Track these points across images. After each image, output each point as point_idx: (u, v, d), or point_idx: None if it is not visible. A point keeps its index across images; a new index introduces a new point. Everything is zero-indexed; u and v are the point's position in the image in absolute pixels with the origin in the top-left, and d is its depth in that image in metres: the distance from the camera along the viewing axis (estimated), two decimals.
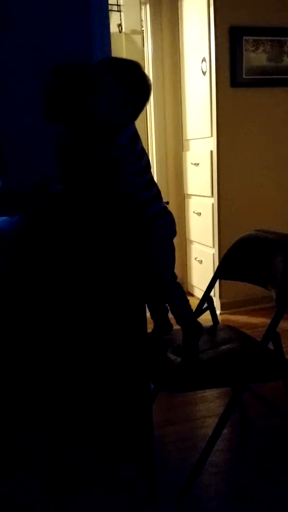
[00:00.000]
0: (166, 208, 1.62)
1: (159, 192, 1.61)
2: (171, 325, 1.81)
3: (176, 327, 1.80)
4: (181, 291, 1.69)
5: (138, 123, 3.64)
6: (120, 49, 3.33)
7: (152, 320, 1.80)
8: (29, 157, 1.59)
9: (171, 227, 1.63)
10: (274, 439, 2.01)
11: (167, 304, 1.74)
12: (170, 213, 1.63)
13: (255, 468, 1.85)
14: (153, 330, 1.80)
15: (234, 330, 1.93)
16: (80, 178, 1.60)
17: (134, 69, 1.48)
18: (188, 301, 1.73)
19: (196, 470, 1.59)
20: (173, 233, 1.64)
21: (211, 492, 1.73)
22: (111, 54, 1.74)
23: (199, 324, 1.76)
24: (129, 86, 1.46)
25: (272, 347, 1.63)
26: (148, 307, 1.77)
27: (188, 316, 1.71)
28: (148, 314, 1.66)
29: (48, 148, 1.60)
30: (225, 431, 2.04)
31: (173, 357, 1.68)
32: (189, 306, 1.72)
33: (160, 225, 1.60)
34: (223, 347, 1.74)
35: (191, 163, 3.76)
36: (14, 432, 1.36)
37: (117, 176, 1.46)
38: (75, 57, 1.61)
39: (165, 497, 1.65)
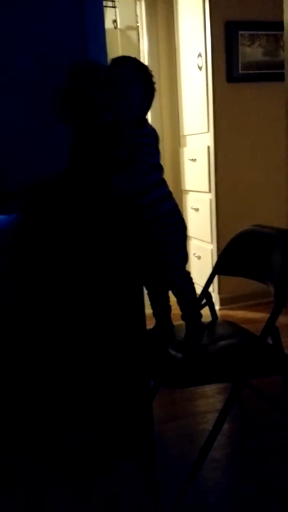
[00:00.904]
0: (177, 206, 1.66)
1: (170, 191, 1.65)
2: (172, 325, 1.81)
3: (176, 322, 1.80)
4: (193, 288, 1.71)
5: None
6: (116, 45, 3.32)
7: (153, 317, 1.79)
8: (25, 155, 1.58)
9: (183, 224, 1.67)
10: (274, 434, 2.02)
11: (176, 300, 1.73)
12: (180, 212, 1.67)
13: (256, 463, 1.85)
14: (153, 327, 1.80)
15: (233, 326, 1.93)
16: (87, 173, 1.60)
17: (144, 67, 1.57)
18: (197, 299, 1.76)
19: (196, 465, 1.59)
20: (185, 229, 1.68)
21: (212, 487, 1.73)
22: (106, 50, 1.74)
23: (202, 323, 1.76)
24: (143, 83, 1.55)
25: (271, 342, 1.64)
26: (151, 305, 1.77)
27: (196, 314, 1.71)
28: (149, 311, 1.67)
29: (45, 146, 1.60)
30: (225, 426, 2.05)
31: (173, 352, 1.68)
32: (198, 304, 1.74)
33: (174, 221, 1.63)
34: (222, 342, 1.74)
35: (188, 159, 3.75)
36: (13, 428, 1.37)
37: (128, 166, 1.48)
38: (70, 53, 1.60)
39: (167, 492, 1.66)
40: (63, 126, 1.59)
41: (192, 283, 1.71)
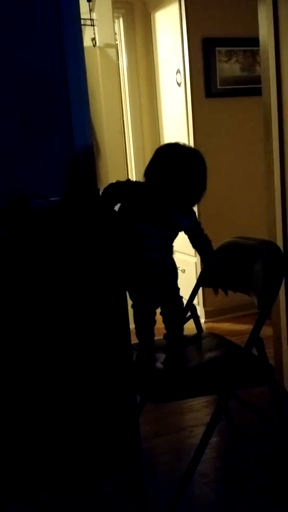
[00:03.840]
0: None
1: None
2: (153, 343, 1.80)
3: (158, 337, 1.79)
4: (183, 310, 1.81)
5: (115, 136, 3.61)
6: (95, 63, 3.35)
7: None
8: (8, 173, 1.58)
9: None
10: (262, 446, 2.01)
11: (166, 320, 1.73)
12: None
13: (245, 476, 1.84)
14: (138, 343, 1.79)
15: (218, 338, 1.93)
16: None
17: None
18: (184, 320, 1.82)
19: (185, 481, 1.58)
20: None
21: (202, 502, 1.72)
22: (85, 68, 1.75)
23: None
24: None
25: (256, 353, 1.64)
26: (136, 324, 1.75)
27: (180, 333, 1.74)
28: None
29: (27, 164, 1.60)
30: (213, 439, 2.04)
31: (159, 366, 1.68)
32: (183, 323, 1.78)
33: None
34: (208, 355, 1.74)
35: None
36: None
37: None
38: (48, 71, 1.62)
39: (156, 507, 1.64)
40: (42, 148, 1.61)
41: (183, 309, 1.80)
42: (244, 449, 2.01)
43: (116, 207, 1.63)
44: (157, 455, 2.03)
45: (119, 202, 1.64)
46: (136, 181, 1.69)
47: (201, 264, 1.81)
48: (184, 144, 1.65)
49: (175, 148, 1.61)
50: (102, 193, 1.63)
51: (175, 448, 2.05)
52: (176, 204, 1.60)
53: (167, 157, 1.59)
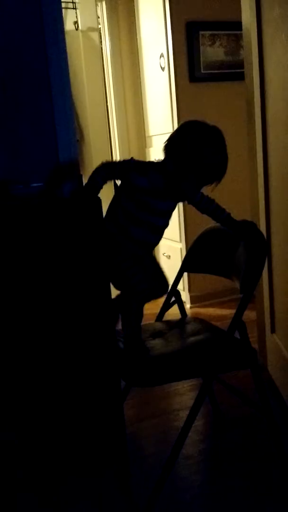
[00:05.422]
0: None
1: None
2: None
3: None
4: None
5: (99, 121, 3.60)
6: (78, 47, 3.32)
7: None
8: None
9: None
10: (246, 428, 2.04)
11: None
12: None
13: (229, 458, 1.87)
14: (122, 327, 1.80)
15: (201, 322, 1.94)
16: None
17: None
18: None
19: (169, 463, 1.60)
20: None
21: (186, 484, 1.74)
22: (66, 52, 1.73)
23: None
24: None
25: (239, 337, 1.65)
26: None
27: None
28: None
29: (8, 149, 1.59)
30: (198, 423, 2.06)
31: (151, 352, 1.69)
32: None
33: None
34: (191, 339, 1.76)
35: (155, 159, 3.76)
36: None
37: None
38: (29, 55, 1.60)
39: (141, 491, 1.66)
40: (23, 134, 1.59)
41: None
42: (228, 431, 2.04)
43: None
44: (143, 439, 2.05)
45: (115, 178, 1.64)
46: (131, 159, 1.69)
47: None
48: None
49: (202, 125, 1.66)
50: (93, 172, 1.61)
51: (161, 432, 2.07)
52: (200, 176, 1.66)
53: (197, 133, 1.64)
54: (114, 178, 1.66)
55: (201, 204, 1.70)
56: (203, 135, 1.63)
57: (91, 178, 1.59)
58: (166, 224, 1.74)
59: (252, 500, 1.64)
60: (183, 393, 2.32)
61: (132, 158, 1.69)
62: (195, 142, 1.62)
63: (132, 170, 1.62)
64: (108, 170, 1.63)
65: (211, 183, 1.72)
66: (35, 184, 1.52)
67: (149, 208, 1.63)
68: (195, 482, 1.75)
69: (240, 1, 2.33)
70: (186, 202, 1.72)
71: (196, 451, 1.91)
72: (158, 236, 1.74)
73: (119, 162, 1.69)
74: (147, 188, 1.61)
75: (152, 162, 1.71)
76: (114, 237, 1.62)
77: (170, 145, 1.65)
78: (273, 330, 2.30)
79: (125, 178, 1.64)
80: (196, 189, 1.69)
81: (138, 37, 3.77)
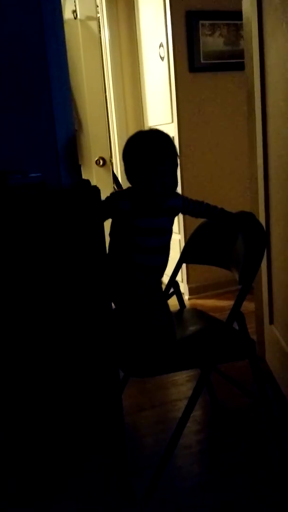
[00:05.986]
0: None
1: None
2: None
3: None
4: None
5: (97, 110, 3.55)
6: (76, 36, 3.28)
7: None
8: None
9: None
10: (243, 418, 2.05)
11: None
12: None
13: (227, 448, 1.88)
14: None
15: (200, 313, 1.95)
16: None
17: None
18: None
19: (167, 452, 1.61)
20: None
21: (184, 473, 1.75)
22: (65, 41, 1.72)
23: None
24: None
25: (237, 328, 1.66)
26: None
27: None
28: None
29: (5, 139, 1.58)
30: (196, 413, 2.07)
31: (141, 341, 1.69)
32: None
33: None
34: (190, 329, 1.76)
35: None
36: None
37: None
38: (27, 44, 1.58)
39: (140, 481, 1.67)
40: (21, 123, 1.58)
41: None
42: (226, 421, 2.05)
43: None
44: (141, 429, 2.06)
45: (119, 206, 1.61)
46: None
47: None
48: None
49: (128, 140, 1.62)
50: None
51: (159, 422, 2.08)
52: (146, 187, 1.56)
53: (124, 151, 1.62)
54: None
55: (194, 211, 1.70)
56: (126, 150, 1.60)
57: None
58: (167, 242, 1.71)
59: (250, 489, 1.65)
60: (182, 384, 2.33)
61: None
62: (125, 160, 1.60)
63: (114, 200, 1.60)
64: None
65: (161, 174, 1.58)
66: (33, 174, 1.51)
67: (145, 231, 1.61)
68: (193, 472, 1.76)
69: None
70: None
71: (194, 441, 1.92)
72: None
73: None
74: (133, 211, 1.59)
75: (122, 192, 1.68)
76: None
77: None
78: (271, 321, 2.31)
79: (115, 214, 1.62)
80: (178, 199, 1.68)
81: (137, 26, 3.74)
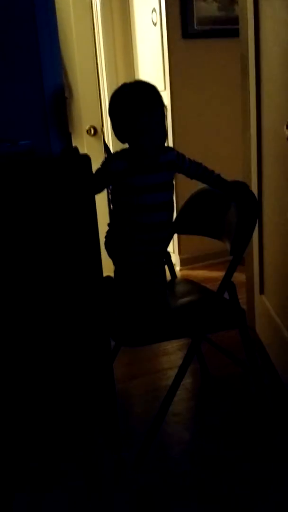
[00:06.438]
0: None
1: None
2: None
3: None
4: None
5: (88, 77, 3.46)
6: (67, 2, 3.19)
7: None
8: None
9: None
10: (233, 387, 2.08)
11: None
12: None
13: (216, 415, 1.91)
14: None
15: (191, 283, 1.95)
16: None
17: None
18: None
19: (158, 419, 1.63)
20: None
21: (174, 440, 1.78)
22: (54, 5, 1.67)
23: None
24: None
25: (228, 297, 1.67)
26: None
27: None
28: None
29: None
30: (187, 381, 2.10)
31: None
32: None
33: None
34: (181, 299, 1.77)
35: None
36: None
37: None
38: (15, 8, 1.54)
39: (130, 447, 1.70)
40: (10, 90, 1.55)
41: None
42: (216, 390, 2.08)
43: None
44: (132, 397, 2.09)
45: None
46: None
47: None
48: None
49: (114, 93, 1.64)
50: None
51: (150, 390, 2.10)
52: (135, 137, 1.56)
53: (110, 104, 1.65)
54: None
55: (190, 170, 1.68)
56: (111, 102, 1.62)
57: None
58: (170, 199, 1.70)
59: (239, 455, 1.69)
60: (172, 353, 2.35)
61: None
62: (111, 113, 1.61)
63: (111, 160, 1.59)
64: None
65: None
66: (23, 142, 1.48)
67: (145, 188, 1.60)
68: (183, 439, 1.79)
69: None
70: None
71: (184, 409, 1.95)
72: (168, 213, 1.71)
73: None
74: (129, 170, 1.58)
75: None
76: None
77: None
78: (261, 291, 2.32)
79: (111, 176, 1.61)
80: (172, 153, 1.66)
81: None
